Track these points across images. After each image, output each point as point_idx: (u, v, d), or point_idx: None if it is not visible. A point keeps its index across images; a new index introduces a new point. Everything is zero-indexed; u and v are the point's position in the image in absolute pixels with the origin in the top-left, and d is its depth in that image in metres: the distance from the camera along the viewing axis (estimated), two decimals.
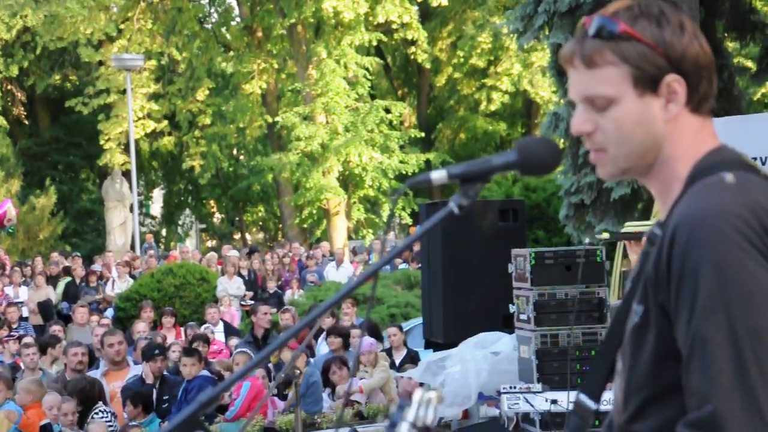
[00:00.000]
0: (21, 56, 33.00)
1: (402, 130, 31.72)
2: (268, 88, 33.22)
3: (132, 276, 21.11)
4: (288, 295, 19.71)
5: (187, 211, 41.93)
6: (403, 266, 20.64)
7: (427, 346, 11.21)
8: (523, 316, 9.02)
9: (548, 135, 13.86)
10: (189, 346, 11.45)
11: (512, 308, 9.23)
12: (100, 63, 33.06)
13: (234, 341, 13.90)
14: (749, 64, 19.43)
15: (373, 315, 15.95)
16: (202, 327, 14.76)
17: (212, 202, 41.10)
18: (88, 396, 9.55)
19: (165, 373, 10.63)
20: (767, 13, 18.27)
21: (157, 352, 10.71)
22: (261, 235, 43.77)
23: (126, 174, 30.29)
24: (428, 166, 29.90)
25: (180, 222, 42.00)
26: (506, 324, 9.71)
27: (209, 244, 42.36)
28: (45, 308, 19.06)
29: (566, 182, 14.39)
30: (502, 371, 9.06)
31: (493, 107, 32.96)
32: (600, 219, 13.98)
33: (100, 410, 9.48)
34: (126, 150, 30.96)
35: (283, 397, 10.97)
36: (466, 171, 2.08)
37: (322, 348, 13.08)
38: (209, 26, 34.80)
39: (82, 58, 32.64)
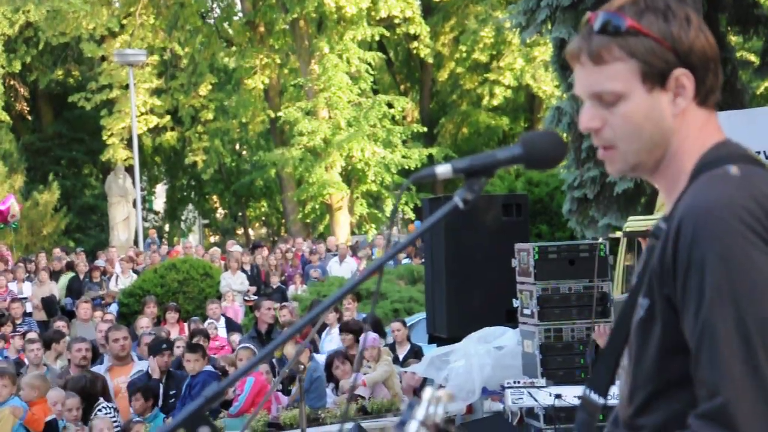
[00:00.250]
0: (24, 51, 33.02)
1: (404, 125, 31.73)
2: (271, 83, 33.20)
3: (135, 271, 21.08)
4: (291, 290, 19.69)
5: (190, 207, 41.89)
6: (406, 261, 20.60)
7: (430, 341, 11.20)
8: (526, 311, 9.02)
9: (551, 129, 13.83)
10: (191, 342, 11.45)
11: (516, 303, 9.23)
12: (103, 58, 33.06)
13: (236, 337, 13.90)
14: (752, 58, 19.40)
15: (377, 310, 15.91)
16: (206, 322, 14.76)
17: (215, 198, 41.07)
18: (89, 393, 9.55)
19: (170, 368, 10.65)
20: None
21: (164, 346, 10.72)
22: (264, 231, 43.75)
23: (129, 169, 30.27)
24: (431, 161, 29.89)
25: (183, 217, 41.97)
26: (510, 319, 9.70)
27: (212, 239, 42.38)
28: (49, 304, 19.06)
29: (569, 177, 14.39)
30: (505, 366, 9.05)
31: (495, 102, 32.90)
32: (603, 213, 13.97)
33: (102, 406, 9.47)
34: (129, 145, 30.95)
35: (287, 393, 10.96)
36: (470, 165, 2.07)
37: (326, 343, 13.08)
38: (211, 21, 34.78)
39: (84, 53, 32.66)
